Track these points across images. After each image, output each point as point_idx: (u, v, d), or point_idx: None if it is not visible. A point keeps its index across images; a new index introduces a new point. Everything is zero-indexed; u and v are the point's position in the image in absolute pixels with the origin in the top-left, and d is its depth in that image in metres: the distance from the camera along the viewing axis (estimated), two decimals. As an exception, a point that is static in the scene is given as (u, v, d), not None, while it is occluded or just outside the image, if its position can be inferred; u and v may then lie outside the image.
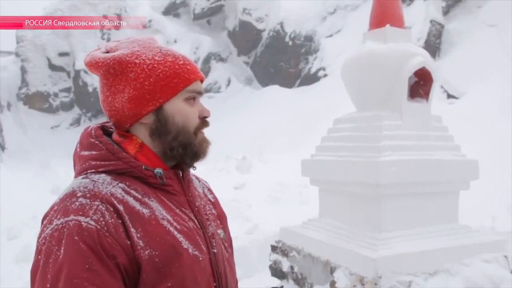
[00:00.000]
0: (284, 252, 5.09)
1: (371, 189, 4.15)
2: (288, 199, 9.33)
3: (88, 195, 1.05)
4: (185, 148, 1.18)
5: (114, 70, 1.15)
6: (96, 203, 1.04)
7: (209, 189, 1.41)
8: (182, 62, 1.18)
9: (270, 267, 5.34)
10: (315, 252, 4.57)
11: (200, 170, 1.37)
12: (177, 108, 1.17)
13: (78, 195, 1.05)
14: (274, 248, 5.37)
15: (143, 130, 1.18)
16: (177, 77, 1.16)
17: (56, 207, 1.06)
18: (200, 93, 1.22)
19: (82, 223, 1.00)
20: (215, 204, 1.38)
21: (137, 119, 1.16)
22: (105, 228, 1.01)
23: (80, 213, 1.01)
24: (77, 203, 1.03)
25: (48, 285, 0.98)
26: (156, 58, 1.16)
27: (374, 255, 3.85)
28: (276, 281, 5.02)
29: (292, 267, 4.91)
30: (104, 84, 1.18)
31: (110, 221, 1.02)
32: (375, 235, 4.11)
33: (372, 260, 3.82)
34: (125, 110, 1.15)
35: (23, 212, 9.01)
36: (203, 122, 1.23)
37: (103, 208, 1.03)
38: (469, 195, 4.91)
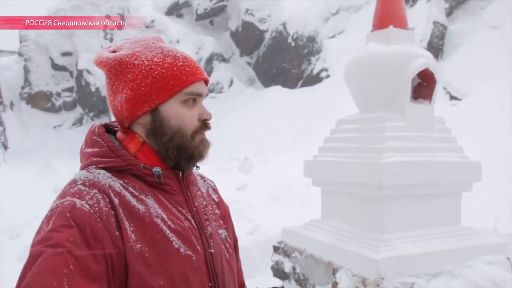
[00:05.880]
0: (286, 253, 5.09)
1: (373, 190, 4.15)
2: (289, 200, 9.33)
3: (87, 183, 1.09)
4: (179, 151, 1.18)
5: (115, 70, 1.17)
6: (94, 191, 1.07)
7: (214, 189, 1.41)
8: (181, 63, 1.18)
9: (272, 267, 5.33)
10: (317, 253, 4.57)
11: (202, 170, 1.37)
12: (173, 111, 1.17)
13: (78, 183, 1.09)
14: (276, 249, 5.37)
15: (140, 129, 1.20)
16: (173, 79, 1.16)
17: (58, 195, 1.10)
18: (200, 95, 1.21)
19: (77, 203, 1.03)
20: (219, 204, 1.37)
21: (133, 119, 1.18)
22: (98, 214, 1.03)
23: (77, 196, 1.05)
24: (75, 188, 1.07)
25: (33, 253, 0.98)
26: (155, 59, 1.17)
27: (377, 257, 3.85)
28: (278, 282, 5.01)
29: (294, 268, 4.91)
30: (108, 83, 1.21)
31: (104, 209, 1.05)
32: (378, 237, 4.10)
33: (374, 261, 3.81)
34: (123, 110, 1.17)
35: (25, 211, 9.02)
36: (203, 124, 1.22)
37: (100, 197, 1.06)
38: (472, 197, 4.90)
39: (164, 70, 1.15)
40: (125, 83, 1.16)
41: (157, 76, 1.15)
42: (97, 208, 1.04)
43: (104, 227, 1.03)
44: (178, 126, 1.17)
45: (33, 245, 1.01)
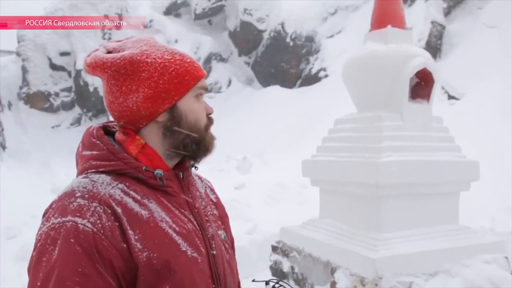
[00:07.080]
0: (285, 253, 5.09)
1: (371, 190, 4.15)
2: (288, 200, 9.33)
3: (86, 195, 1.05)
4: (198, 144, 1.20)
5: (126, 70, 1.13)
6: (94, 204, 1.03)
7: (212, 189, 1.40)
8: (189, 60, 1.20)
9: (271, 267, 5.34)
10: (315, 252, 4.57)
11: (200, 170, 1.37)
12: (189, 105, 1.19)
13: (77, 195, 1.05)
14: (274, 249, 5.37)
15: (155, 128, 1.18)
16: (188, 75, 1.17)
17: (54, 205, 1.06)
18: (206, 90, 1.24)
19: (79, 225, 1.00)
20: (217, 204, 1.37)
21: (153, 117, 1.16)
22: (102, 231, 1.01)
23: (78, 214, 1.01)
24: (75, 204, 1.03)
25: (38, 284, 0.98)
26: (166, 56, 1.16)
27: (375, 256, 3.85)
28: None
29: (292, 268, 4.91)
30: (113, 85, 1.15)
31: (106, 224, 1.02)
32: (376, 236, 4.11)
33: (372, 260, 3.82)
34: (140, 109, 1.14)
35: (23, 212, 9.00)
36: (209, 119, 1.25)
37: (101, 210, 1.03)
38: (469, 196, 4.90)
39: (178, 67, 1.16)
40: (140, 82, 1.13)
41: (173, 72, 1.15)
42: (100, 225, 1.01)
43: (110, 244, 1.01)
44: (195, 121, 1.19)
45: (39, 269, 1.00)
